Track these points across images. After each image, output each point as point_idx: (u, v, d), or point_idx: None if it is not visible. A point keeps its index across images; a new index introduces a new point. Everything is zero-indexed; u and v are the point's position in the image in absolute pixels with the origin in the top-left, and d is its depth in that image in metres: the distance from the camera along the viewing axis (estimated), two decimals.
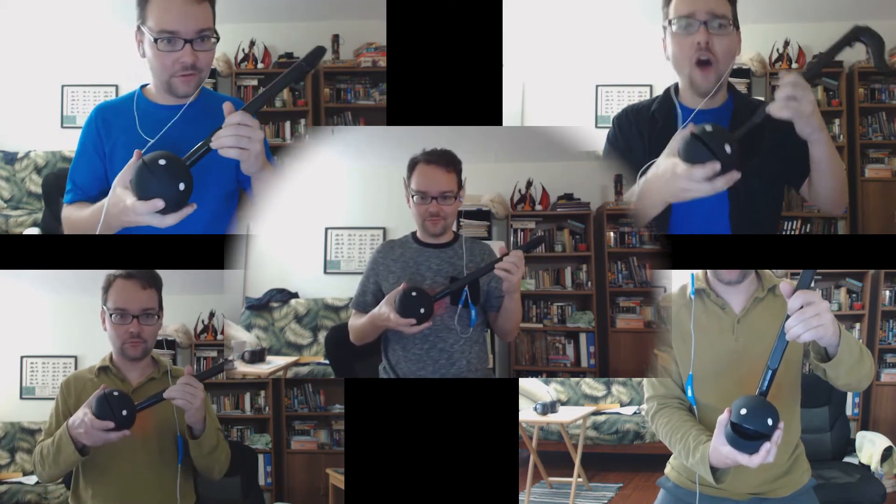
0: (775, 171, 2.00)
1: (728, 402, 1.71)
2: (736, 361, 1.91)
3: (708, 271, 2.00)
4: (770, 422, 1.64)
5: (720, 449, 1.70)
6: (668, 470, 2.05)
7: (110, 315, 2.11)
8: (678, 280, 2.08)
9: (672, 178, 1.74)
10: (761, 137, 1.85)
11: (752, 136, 1.80)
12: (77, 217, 1.97)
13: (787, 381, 1.88)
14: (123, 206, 1.72)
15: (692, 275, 2.02)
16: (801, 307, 1.61)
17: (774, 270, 1.99)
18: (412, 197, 2.28)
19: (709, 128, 1.72)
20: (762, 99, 1.86)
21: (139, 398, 2.00)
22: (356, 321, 2.35)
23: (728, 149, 1.69)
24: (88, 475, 2.09)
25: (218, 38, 1.93)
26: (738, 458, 1.67)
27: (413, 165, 2.29)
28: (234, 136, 1.75)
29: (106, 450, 2.00)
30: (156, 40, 1.88)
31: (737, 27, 1.96)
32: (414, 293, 2.16)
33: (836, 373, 1.75)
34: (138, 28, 1.92)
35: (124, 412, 1.92)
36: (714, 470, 1.78)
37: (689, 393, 1.93)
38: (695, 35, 1.93)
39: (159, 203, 1.67)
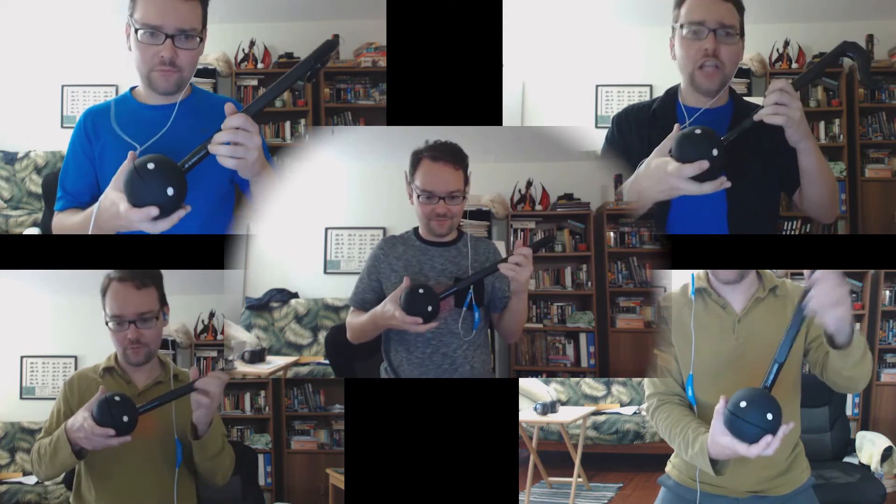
0: (771, 176, 2.03)
1: None
2: (736, 360, 1.92)
3: (708, 271, 2.01)
4: (770, 415, 1.64)
5: (719, 439, 1.70)
6: (668, 468, 2.06)
7: (107, 322, 2.03)
8: (678, 280, 2.09)
9: (663, 175, 1.79)
10: (758, 142, 1.87)
11: (746, 141, 1.83)
12: (69, 224, 1.94)
13: (788, 378, 1.88)
14: (116, 211, 1.67)
15: (693, 275, 2.02)
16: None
17: (775, 271, 1.99)
18: (417, 196, 2.16)
19: (698, 130, 1.77)
20: (760, 103, 1.87)
21: (145, 401, 1.94)
22: (355, 319, 2.24)
23: (715, 152, 1.73)
24: (91, 477, 2.05)
25: (202, 40, 1.89)
26: (736, 447, 1.67)
27: (417, 160, 2.16)
28: (230, 146, 1.69)
29: (109, 453, 1.96)
30: (137, 31, 1.86)
31: (742, 36, 1.99)
32: (420, 290, 2.06)
33: (843, 363, 1.76)
34: (129, 19, 1.90)
35: (125, 418, 1.86)
36: (714, 462, 1.78)
37: (690, 392, 1.94)
38: (703, 41, 1.96)
39: (153, 211, 1.63)
